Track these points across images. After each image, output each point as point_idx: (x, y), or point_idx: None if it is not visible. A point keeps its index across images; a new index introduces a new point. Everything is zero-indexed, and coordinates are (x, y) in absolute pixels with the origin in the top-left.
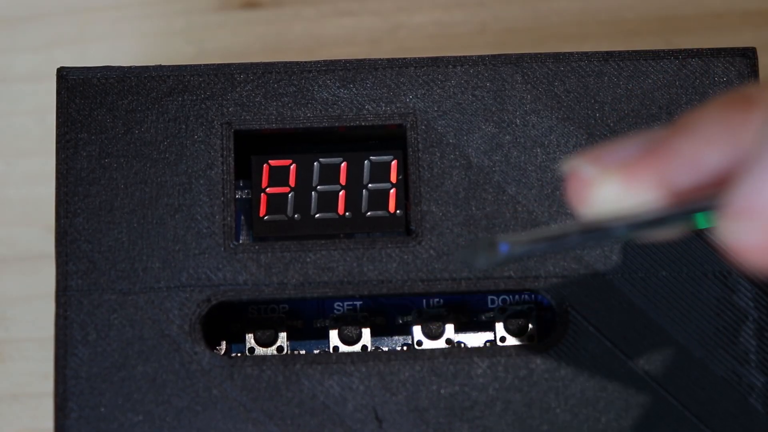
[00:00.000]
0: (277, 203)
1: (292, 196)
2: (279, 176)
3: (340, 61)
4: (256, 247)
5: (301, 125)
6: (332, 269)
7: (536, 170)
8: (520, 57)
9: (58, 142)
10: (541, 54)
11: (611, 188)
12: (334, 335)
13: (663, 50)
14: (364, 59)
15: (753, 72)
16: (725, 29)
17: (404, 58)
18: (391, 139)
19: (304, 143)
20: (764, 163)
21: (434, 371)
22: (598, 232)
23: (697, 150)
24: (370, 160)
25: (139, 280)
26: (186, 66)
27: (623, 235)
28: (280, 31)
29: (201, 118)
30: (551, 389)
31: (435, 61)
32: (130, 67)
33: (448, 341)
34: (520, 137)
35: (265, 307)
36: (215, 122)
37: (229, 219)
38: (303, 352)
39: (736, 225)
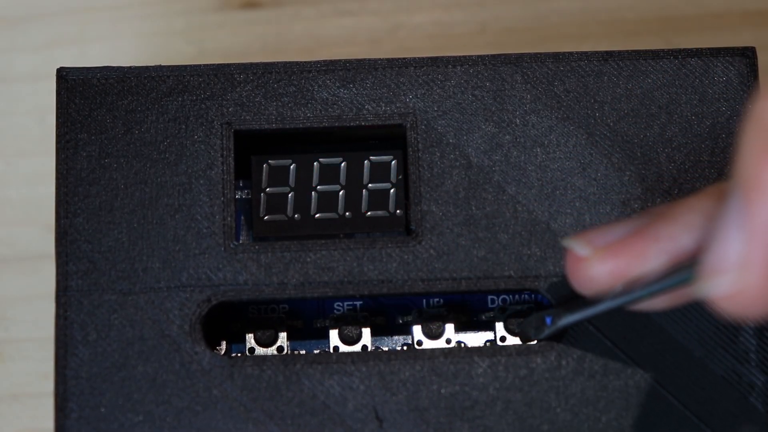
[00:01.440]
0: (277, 203)
1: (292, 196)
2: (279, 176)
3: (339, 61)
4: (256, 247)
5: (301, 125)
6: (332, 269)
7: (536, 170)
8: (520, 57)
9: (57, 142)
10: (540, 54)
11: (601, 267)
12: (334, 335)
13: (662, 50)
14: (364, 59)
15: (752, 72)
16: (725, 29)
17: (404, 58)
18: (390, 138)
19: (304, 143)
20: (722, 234)
21: (434, 371)
22: (623, 297)
23: (676, 234)
24: (369, 160)
25: (139, 280)
26: (186, 66)
27: (642, 297)
28: (280, 31)
29: (201, 118)
30: (551, 389)
31: (435, 61)
32: (130, 67)
33: (448, 341)
34: (520, 137)
35: (265, 307)
36: (215, 122)
37: (229, 219)
38: (303, 352)
39: (709, 282)
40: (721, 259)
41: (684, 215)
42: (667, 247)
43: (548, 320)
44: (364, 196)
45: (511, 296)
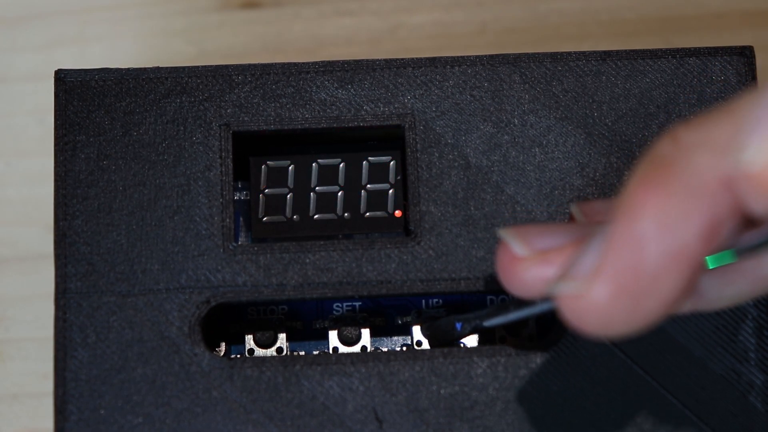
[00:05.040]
0: (275, 204)
1: (290, 197)
2: (277, 177)
3: (338, 61)
4: (255, 249)
5: (299, 126)
6: (331, 270)
7: (534, 170)
8: (518, 57)
9: (56, 144)
10: (538, 54)
11: (534, 271)
12: (333, 336)
13: (660, 49)
14: (362, 60)
15: (750, 71)
16: (725, 29)
17: (402, 59)
18: (389, 139)
19: (302, 144)
20: (587, 247)
21: (434, 371)
22: (530, 307)
23: None
24: (368, 161)
25: (138, 282)
26: (184, 67)
27: (552, 308)
28: (280, 31)
29: (199, 119)
30: (551, 389)
31: (433, 62)
32: (128, 68)
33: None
34: (519, 137)
35: (264, 309)
36: (213, 124)
37: (227, 220)
38: (302, 353)
39: (557, 284)
40: (578, 266)
41: None
42: None
43: (458, 326)
44: (362, 197)
45: (510, 296)
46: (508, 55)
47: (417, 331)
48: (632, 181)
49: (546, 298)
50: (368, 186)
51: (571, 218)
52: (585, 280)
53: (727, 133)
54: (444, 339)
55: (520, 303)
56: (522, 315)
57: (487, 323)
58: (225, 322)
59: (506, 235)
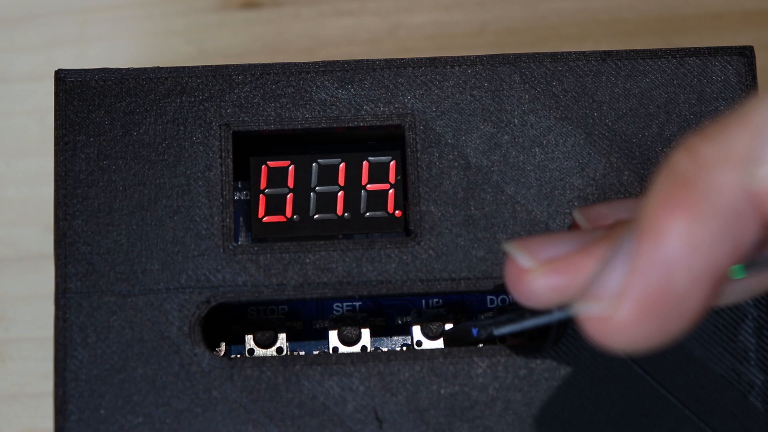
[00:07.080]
0: (275, 204)
1: (290, 197)
2: (277, 177)
3: (338, 61)
4: (255, 249)
5: (299, 126)
6: (331, 270)
7: (535, 170)
8: (518, 57)
9: (56, 144)
10: (538, 54)
11: (543, 281)
12: (333, 336)
13: (660, 49)
14: (362, 60)
15: (751, 71)
16: (725, 29)
17: (402, 59)
18: (389, 139)
19: (302, 144)
20: (610, 264)
21: (434, 371)
22: (546, 315)
23: None
24: (368, 161)
25: (138, 282)
26: (184, 68)
27: (568, 317)
28: (280, 31)
29: (199, 119)
30: (551, 389)
31: (433, 62)
32: (128, 68)
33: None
34: (519, 137)
35: (264, 309)
36: (213, 123)
37: (227, 220)
38: (302, 353)
39: (584, 304)
40: (602, 286)
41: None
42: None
43: (474, 332)
44: (362, 197)
45: (510, 296)
46: (508, 55)
47: (417, 331)
48: (654, 199)
49: (563, 307)
50: (368, 186)
51: (574, 224)
52: (611, 301)
53: (746, 146)
54: (460, 345)
55: (536, 311)
56: (538, 323)
57: (503, 330)
58: (225, 322)
59: (511, 248)
